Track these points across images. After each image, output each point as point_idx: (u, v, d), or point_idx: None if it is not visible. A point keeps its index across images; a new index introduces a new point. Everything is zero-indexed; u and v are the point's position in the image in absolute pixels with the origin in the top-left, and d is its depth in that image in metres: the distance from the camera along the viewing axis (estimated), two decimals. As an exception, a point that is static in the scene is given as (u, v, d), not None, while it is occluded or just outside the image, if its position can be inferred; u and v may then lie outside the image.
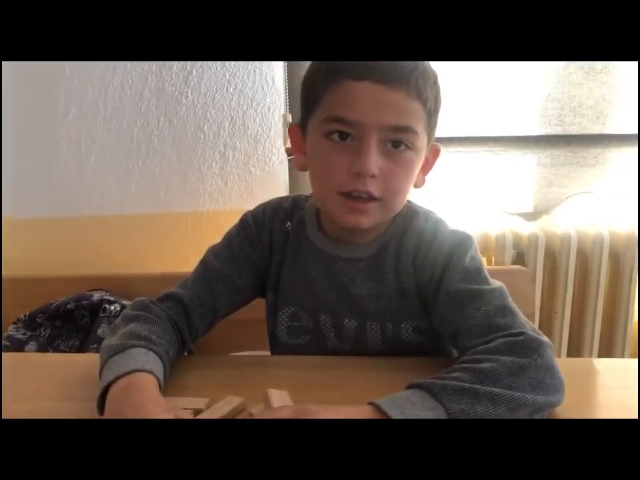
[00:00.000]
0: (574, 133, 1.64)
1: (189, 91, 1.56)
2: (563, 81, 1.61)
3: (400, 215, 0.87)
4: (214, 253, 0.92)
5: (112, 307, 1.34)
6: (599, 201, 1.64)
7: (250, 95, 1.57)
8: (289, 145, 1.59)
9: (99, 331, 1.32)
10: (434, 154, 0.87)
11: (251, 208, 0.94)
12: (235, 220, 0.89)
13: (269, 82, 1.57)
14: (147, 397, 0.65)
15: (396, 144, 0.77)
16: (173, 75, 1.54)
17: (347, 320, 0.89)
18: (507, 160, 1.67)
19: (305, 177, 1.63)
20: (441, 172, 0.97)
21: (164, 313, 0.83)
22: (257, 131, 1.60)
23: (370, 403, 0.62)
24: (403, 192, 0.82)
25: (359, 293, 0.87)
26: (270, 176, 1.62)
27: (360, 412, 0.60)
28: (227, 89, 1.57)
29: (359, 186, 0.77)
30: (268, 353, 0.98)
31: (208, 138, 1.60)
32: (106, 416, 0.64)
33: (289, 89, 1.56)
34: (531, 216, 1.68)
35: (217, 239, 0.94)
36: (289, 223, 0.92)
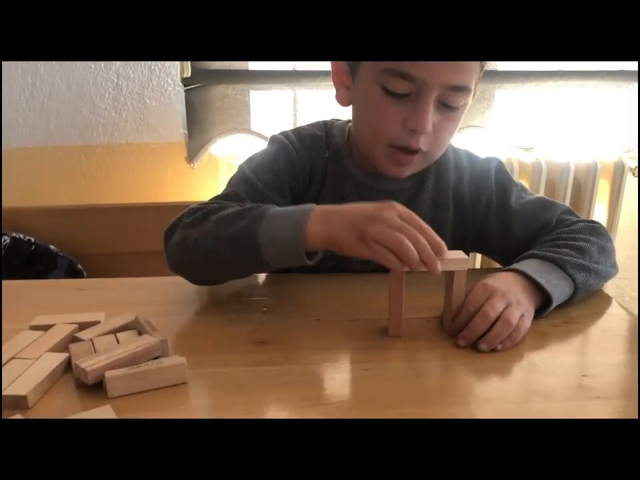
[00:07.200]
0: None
1: (76, 17, 1.48)
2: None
3: None
4: (256, 175, 0.86)
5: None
6: (487, 135, 1.73)
7: (142, 22, 1.51)
8: (186, 74, 1.56)
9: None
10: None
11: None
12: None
13: (162, 9, 1.51)
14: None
15: (450, 105, 0.78)
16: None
17: None
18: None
19: (204, 109, 1.62)
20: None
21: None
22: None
23: (511, 270, 0.73)
24: (447, 144, 0.85)
25: None
26: (166, 107, 1.59)
27: (508, 277, 0.72)
28: (118, 15, 1.50)
29: (412, 142, 0.79)
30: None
31: (99, 67, 1.54)
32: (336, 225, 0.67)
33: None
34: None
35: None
36: (327, 152, 0.91)
